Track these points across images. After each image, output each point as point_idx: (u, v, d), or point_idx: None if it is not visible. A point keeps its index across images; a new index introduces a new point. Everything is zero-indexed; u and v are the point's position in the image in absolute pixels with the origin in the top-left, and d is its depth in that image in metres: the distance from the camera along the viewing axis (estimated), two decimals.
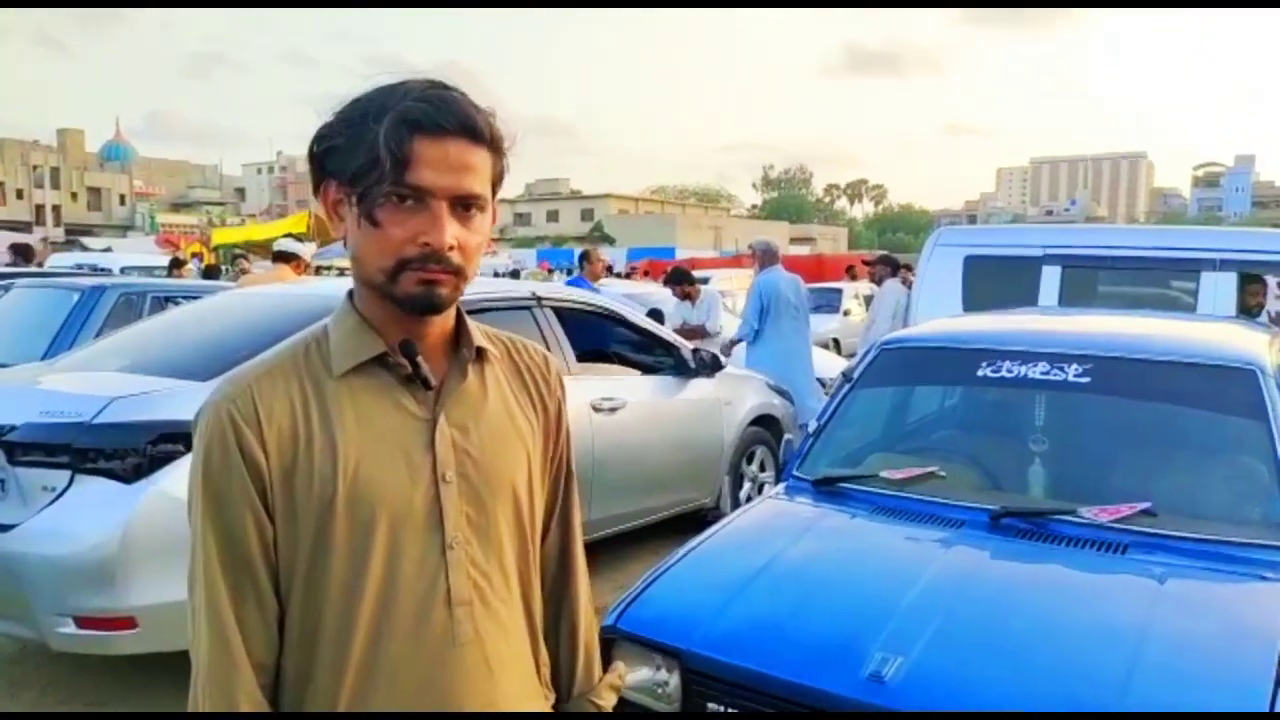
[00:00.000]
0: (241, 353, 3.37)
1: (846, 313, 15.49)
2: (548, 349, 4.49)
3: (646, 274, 23.54)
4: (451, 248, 1.03)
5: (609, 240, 53.95)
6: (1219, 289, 5.90)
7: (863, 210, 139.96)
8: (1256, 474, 2.51)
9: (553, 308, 4.63)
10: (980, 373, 2.98)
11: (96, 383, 3.34)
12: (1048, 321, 3.46)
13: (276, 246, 6.04)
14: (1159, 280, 6.64)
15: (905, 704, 1.85)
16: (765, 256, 7.04)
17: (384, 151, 1.00)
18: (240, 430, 1.03)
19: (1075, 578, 2.28)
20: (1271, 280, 11.24)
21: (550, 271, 24.65)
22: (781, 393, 6.17)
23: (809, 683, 1.96)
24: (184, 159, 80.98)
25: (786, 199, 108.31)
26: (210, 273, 9.52)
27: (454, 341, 1.15)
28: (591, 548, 4.53)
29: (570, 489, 1.30)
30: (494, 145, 1.07)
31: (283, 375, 1.08)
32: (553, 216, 74.81)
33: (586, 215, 70.90)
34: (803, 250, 47.70)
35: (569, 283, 8.07)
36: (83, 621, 2.97)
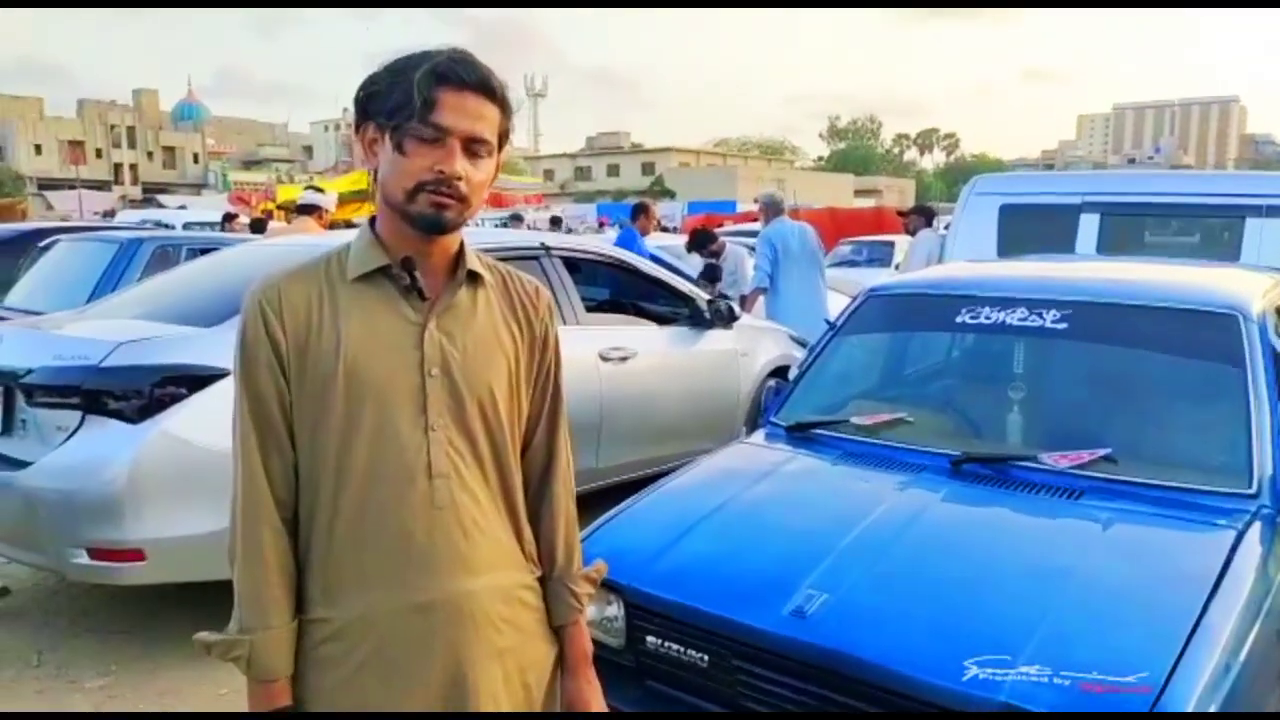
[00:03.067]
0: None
1: (898, 266, 15.18)
2: (555, 298, 4.58)
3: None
4: (459, 178, 1.28)
5: (669, 194, 53.56)
6: (1264, 236, 5.64)
7: (933, 161, 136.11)
8: (1227, 421, 2.44)
9: (561, 258, 4.68)
10: (959, 319, 2.95)
11: (109, 329, 3.51)
12: (1033, 268, 3.38)
13: (300, 200, 6.19)
14: (1202, 228, 6.38)
15: (821, 639, 1.88)
16: (769, 209, 7.03)
17: (416, 94, 1.25)
18: (267, 316, 1.31)
19: (1020, 522, 2.27)
20: None
21: (603, 225, 24.61)
22: (803, 344, 6.14)
23: (734, 616, 2.00)
24: (253, 117, 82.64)
25: (853, 150, 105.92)
26: (257, 226, 9.79)
27: (455, 266, 1.39)
28: (601, 495, 4.61)
29: (558, 399, 1.53)
30: (503, 104, 1.33)
31: (305, 278, 1.35)
32: (613, 170, 74.51)
33: (647, 169, 70.46)
34: (867, 203, 46.68)
35: (619, 238, 8.03)
36: (94, 553, 3.17)
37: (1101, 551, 2.07)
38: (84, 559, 3.17)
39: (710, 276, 7.37)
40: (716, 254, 7.70)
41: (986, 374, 3.03)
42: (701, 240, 7.88)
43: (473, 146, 1.29)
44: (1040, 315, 2.79)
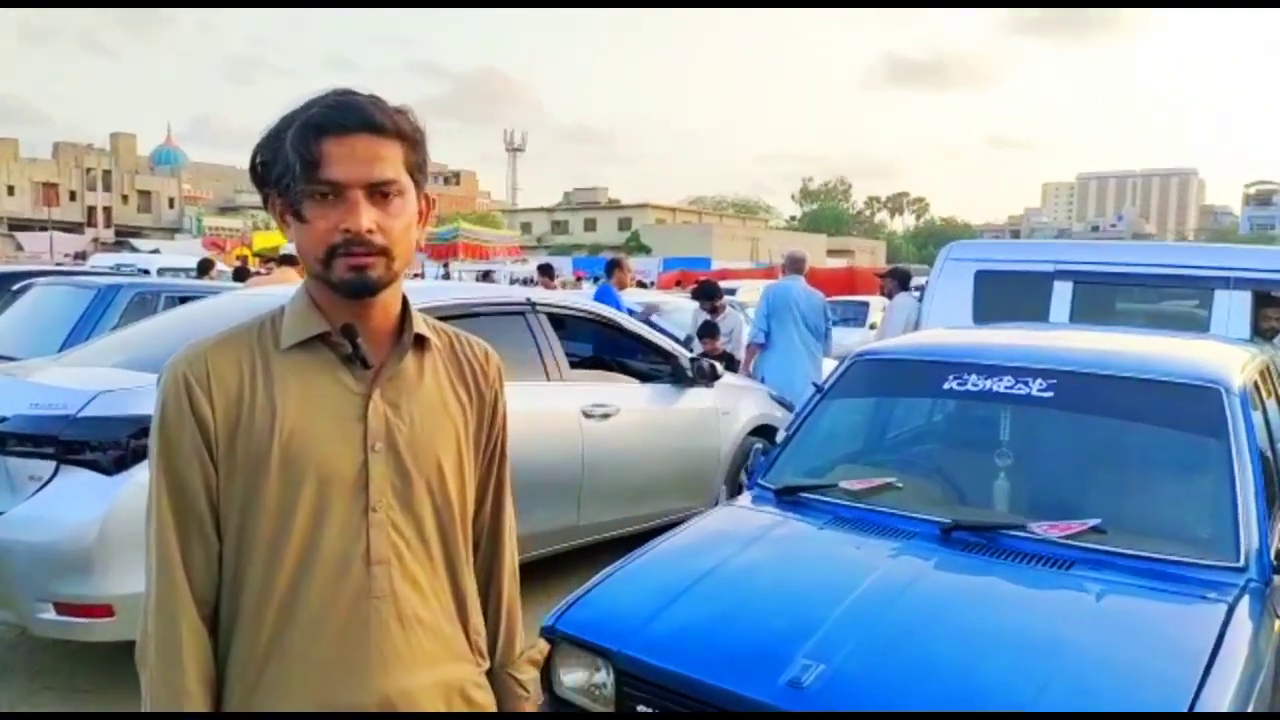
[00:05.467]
0: None
1: (873, 326, 15.36)
2: (540, 355, 4.56)
3: (679, 284, 23.51)
4: (370, 230, 1.15)
5: (645, 250, 53.94)
6: (1232, 308, 5.78)
7: (903, 223, 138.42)
8: (1212, 494, 2.47)
9: (547, 314, 4.68)
10: (946, 386, 2.98)
11: (86, 377, 3.45)
12: (1019, 336, 3.44)
13: (283, 250, 6.19)
14: (1172, 298, 6.53)
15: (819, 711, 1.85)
16: (789, 265, 7.09)
17: (293, 156, 1.14)
18: (193, 390, 1.17)
19: (1013, 592, 2.27)
20: None
21: (579, 280, 24.74)
22: (784, 404, 6.16)
23: (729, 687, 1.97)
24: (231, 164, 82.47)
25: (825, 211, 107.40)
26: (240, 275, 9.73)
27: (399, 329, 1.27)
28: (580, 554, 4.53)
29: (503, 471, 1.41)
30: (402, 136, 1.20)
31: (235, 346, 1.22)
32: (590, 225, 75.04)
33: (624, 224, 70.99)
34: (840, 263, 47.35)
35: (597, 293, 8.10)
36: (62, 608, 3.07)
37: (1095, 625, 2.07)
38: (50, 614, 3.07)
39: (710, 333, 7.45)
40: (717, 310, 7.79)
41: (974, 440, 3.05)
42: (707, 292, 8.00)
43: (379, 190, 1.17)
44: (1026, 384, 2.82)
